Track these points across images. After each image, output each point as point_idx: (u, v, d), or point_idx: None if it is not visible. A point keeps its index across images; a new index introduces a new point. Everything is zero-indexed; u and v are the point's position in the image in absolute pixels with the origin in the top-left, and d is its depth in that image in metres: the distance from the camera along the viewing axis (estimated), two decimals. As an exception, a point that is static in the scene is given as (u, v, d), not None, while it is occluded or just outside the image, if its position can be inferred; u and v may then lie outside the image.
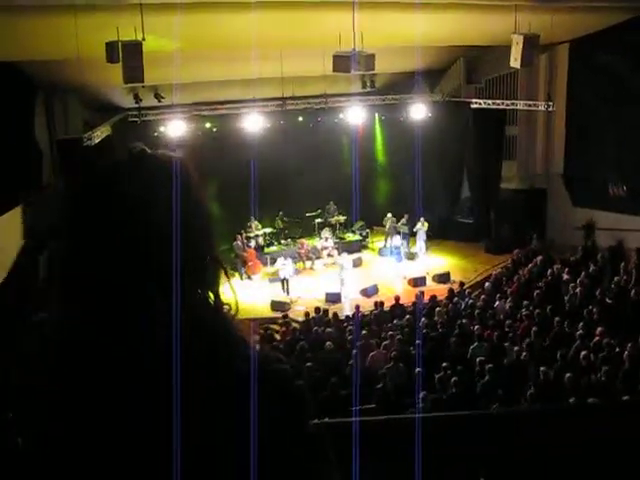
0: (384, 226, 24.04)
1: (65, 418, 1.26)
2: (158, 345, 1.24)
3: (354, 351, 12.81)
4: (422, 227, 22.51)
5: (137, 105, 20.21)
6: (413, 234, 22.92)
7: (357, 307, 16.63)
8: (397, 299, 17.05)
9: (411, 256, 22.55)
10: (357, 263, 22.43)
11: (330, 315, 16.51)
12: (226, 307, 1.39)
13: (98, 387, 1.25)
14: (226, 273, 1.40)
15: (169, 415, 1.22)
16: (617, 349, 11.45)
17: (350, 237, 24.56)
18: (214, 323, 1.34)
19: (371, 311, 16.48)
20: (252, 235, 22.98)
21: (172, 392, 1.22)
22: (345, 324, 15.61)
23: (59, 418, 1.27)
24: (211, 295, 1.36)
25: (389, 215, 23.84)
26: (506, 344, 12.71)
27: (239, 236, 22.15)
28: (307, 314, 16.56)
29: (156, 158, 1.37)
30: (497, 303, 15.82)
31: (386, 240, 23.88)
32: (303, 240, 23.07)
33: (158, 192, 1.29)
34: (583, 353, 11.18)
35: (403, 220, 23.37)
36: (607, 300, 14.42)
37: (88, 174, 1.37)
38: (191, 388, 1.23)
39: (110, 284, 1.26)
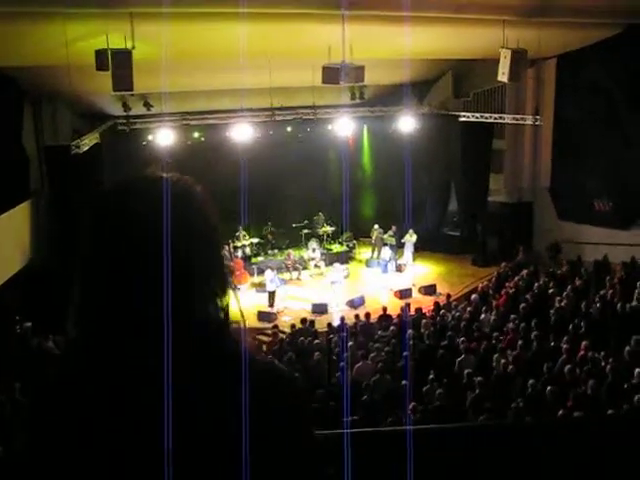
0: (371, 237, 24.09)
1: (68, 423, 1.29)
2: (167, 357, 1.27)
3: (341, 363, 12.79)
4: (410, 239, 22.54)
5: (126, 113, 20.16)
6: (401, 245, 22.95)
7: (342, 318, 16.62)
8: (384, 310, 17.06)
9: (399, 268, 22.57)
10: (344, 274, 22.43)
11: (316, 326, 16.51)
12: (234, 321, 1.44)
13: (106, 397, 1.28)
14: (234, 291, 1.47)
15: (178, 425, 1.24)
16: (602, 363, 11.50)
17: (337, 248, 24.57)
18: (222, 336, 1.40)
19: (356, 322, 16.47)
20: (239, 245, 22.95)
21: (181, 401, 1.26)
22: (331, 335, 15.59)
23: (62, 423, 1.29)
24: (220, 308, 1.41)
25: (376, 226, 23.89)
26: (493, 356, 12.73)
27: (226, 246, 22.11)
28: (293, 326, 16.55)
29: (168, 182, 1.40)
30: (483, 316, 15.86)
31: (373, 251, 23.91)
32: (290, 251, 23.05)
33: (171, 215, 1.32)
34: (568, 367, 11.22)
35: (390, 232, 23.41)
36: (592, 313, 14.48)
37: (101, 196, 1.42)
38: (201, 397, 1.28)
39: (124, 300, 1.30)
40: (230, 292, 1.45)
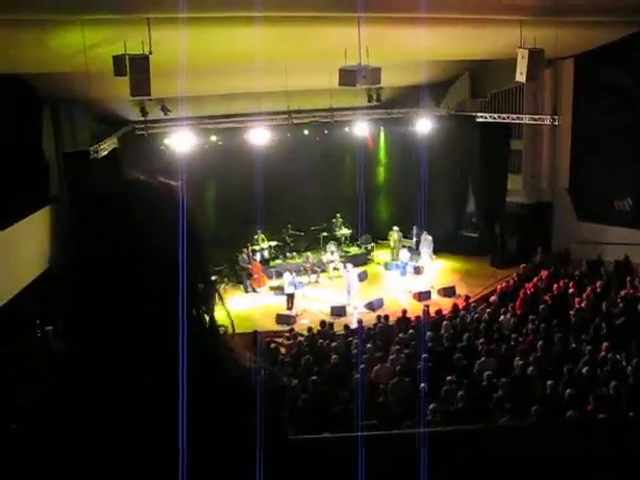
0: (389, 240, 24.06)
1: (69, 422, 1.29)
2: (156, 359, 1.29)
3: (360, 365, 12.77)
4: (426, 240, 22.49)
5: (144, 118, 20.28)
6: (418, 247, 22.92)
7: (360, 321, 16.62)
8: (404, 312, 17.02)
9: (418, 270, 22.50)
10: (363, 277, 22.42)
11: (335, 328, 16.51)
12: (221, 328, 1.43)
13: (98, 397, 1.29)
14: (220, 296, 1.45)
15: (166, 425, 1.25)
16: (623, 363, 11.41)
17: (355, 250, 24.56)
18: (207, 342, 1.39)
19: (375, 324, 16.44)
20: (258, 248, 22.99)
21: (168, 402, 1.27)
22: (350, 338, 15.58)
23: (64, 421, 1.29)
24: (205, 316, 1.41)
25: (395, 228, 23.86)
26: (513, 358, 12.66)
27: (245, 249, 22.17)
28: (310, 329, 16.56)
29: (153, 187, 1.41)
30: (502, 317, 15.79)
31: (392, 254, 23.87)
32: (308, 253, 23.06)
33: (155, 220, 1.34)
34: (588, 368, 11.14)
35: (412, 233, 23.41)
36: (613, 314, 14.37)
37: (88, 201, 1.42)
38: (183, 399, 1.27)
39: (111, 302, 1.31)
40: (217, 297, 1.44)
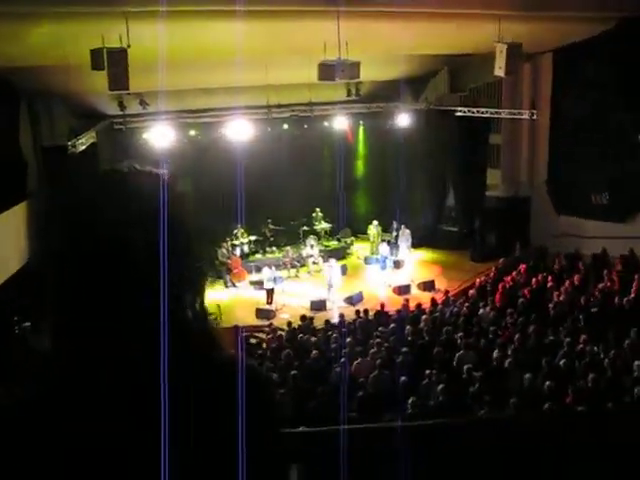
0: (368, 234, 24.14)
1: (54, 422, 1.28)
2: (145, 351, 1.28)
3: (342, 359, 12.79)
4: (404, 234, 22.57)
5: (122, 112, 20.14)
6: (397, 241, 23.01)
7: (341, 315, 16.62)
8: (382, 306, 17.07)
9: (398, 264, 22.57)
10: (343, 271, 22.45)
11: (315, 323, 16.52)
12: (210, 317, 1.42)
13: (86, 393, 1.28)
14: (205, 284, 1.45)
15: (154, 418, 1.24)
16: (601, 356, 11.52)
17: (335, 245, 24.57)
18: (197, 331, 1.38)
19: (355, 319, 16.47)
20: (237, 243, 22.95)
21: (158, 394, 1.26)
22: (330, 332, 15.59)
23: (47, 422, 1.28)
24: (195, 304, 1.40)
25: (374, 223, 23.93)
26: (492, 351, 12.74)
27: (224, 244, 22.12)
28: (290, 323, 16.55)
29: (140, 175, 1.40)
30: (481, 311, 15.87)
31: (372, 248, 23.95)
32: (288, 248, 23.04)
33: (140, 208, 1.32)
34: (566, 360, 11.24)
35: (392, 227, 23.50)
36: (591, 307, 14.50)
37: (72, 190, 1.40)
38: (174, 390, 1.27)
39: (98, 296, 1.30)
40: (206, 288, 1.44)
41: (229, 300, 20.39)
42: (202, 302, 1.42)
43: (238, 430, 1.30)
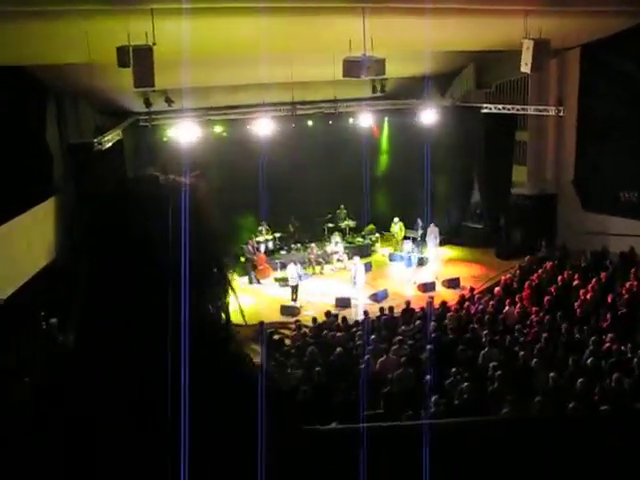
0: (390, 231, 24.13)
1: (74, 417, 1.29)
2: (166, 351, 1.29)
3: (366, 356, 12.79)
4: (432, 232, 22.48)
5: (147, 109, 20.26)
6: (424, 239, 22.92)
7: (365, 312, 16.58)
8: (407, 304, 17.02)
9: (422, 261, 22.50)
10: (367, 268, 22.44)
11: (340, 320, 16.52)
12: (230, 318, 1.44)
13: (103, 386, 1.30)
14: (232, 289, 1.46)
15: (171, 419, 1.25)
16: (628, 355, 11.40)
17: (360, 242, 24.55)
18: (218, 335, 1.40)
19: (379, 316, 16.44)
20: (262, 240, 23.01)
21: (175, 390, 1.27)
22: (355, 329, 15.58)
23: (69, 416, 1.30)
24: (218, 308, 1.41)
25: (396, 220, 23.90)
26: (516, 349, 12.66)
27: (250, 240, 22.20)
28: (314, 320, 16.58)
29: (166, 184, 1.42)
30: (507, 309, 15.77)
31: (395, 245, 23.91)
32: (313, 245, 23.06)
33: (160, 215, 1.34)
34: (593, 359, 11.13)
35: (417, 225, 23.44)
36: (618, 306, 14.35)
37: (96, 192, 1.44)
38: (192, 392, 1.27)
39: (119, 293, 1.33)
40: (231, 293, 1.45)
41: (254, 296, 20.47)
42: (225, 303, 1.43)
43: (257, 432, 1.30)
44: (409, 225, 24.02)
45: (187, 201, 1.37)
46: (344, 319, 16.54)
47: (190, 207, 1.36)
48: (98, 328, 1.34)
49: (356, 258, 21.24)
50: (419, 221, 23.53)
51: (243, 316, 1.50)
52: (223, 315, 1.42)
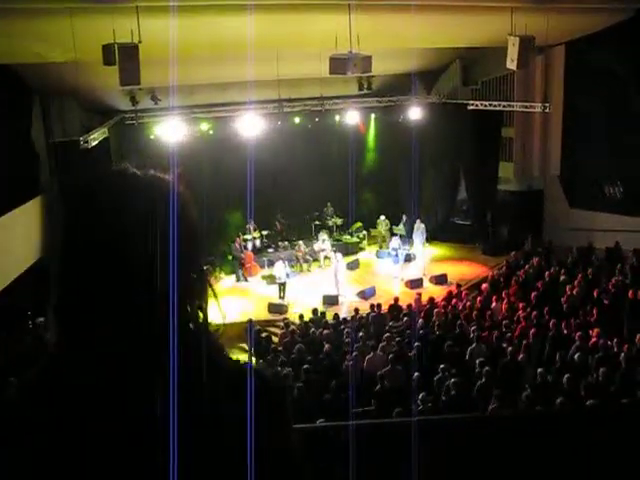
0: (377, 228, 24.18)
1: (58, 419, 1.28)
2: (148, 353, 1.29)
3: (353, 353, 12.81)
4: (419, 228, 22.52)
5: (134, 107, 20.18)
6: (411, 235, 22.96)
7: (356, 310, 16.61)
8: (395, 300, 17.05)
9: (409, 258, 22.55)
10: (354, 265, 22.45)
11: (327, 317, 16.53)
12: (211, 322, 1.42)
13: (83, 387, 1.29)
14: (213, 290, 1.44)
15: (151, 419, 1.25)
16: (615, 350, 11.47)
17: (347, 239, 24.56)
18: (200, 337, 1.38)
19: (368, 313, 16.46)
20: (249, 237, 22.97)
21: (160, 397, 1.26)
22: (342, 326, 15.60)
23: (51, 419, 1.29)
24: (198, 310, 1.40)
25: (382, 217, 23.97)
26: (504, 345, 12.71)
27: (237, 238, 22.16)
28: (301, 316, 16.58)
29: (140, 177, 1.40)
30: (494, 304, 15.84)
31: (381, 242, 23.98)
32: (300, 242, 23.04)
33: (137, 209, 1.32)
34: (579, 354, 11.20)
35: (402, 221, 23.48)
36: (604, 301, 14.43)
37: (75, 188, 1.41)
38: (174, 394, 1.27)
39: (95, 292, 1.31)
40: (209, 292, 1.43)
41: (241, 294, 20.46)
42: (203, 301, 1.41)
43: (246, 433, 1.30)
44: (395, 222, 24.07)
45: (164, 196, 1.34)
46: (336, 315, 16.58)
47: (168, 202, 1.34)
48: (74, 328, 1.33)
49: (338, 255, 21.26)
50: (404, 217, 23.59)
51: (222, 316, 1.47)
52: (200, 314, 1.40)
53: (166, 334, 1.28)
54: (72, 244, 1.35)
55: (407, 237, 23.22)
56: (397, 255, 22.46)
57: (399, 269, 21.77)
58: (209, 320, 1.42)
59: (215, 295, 1.44)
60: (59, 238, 1.36)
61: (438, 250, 23.82)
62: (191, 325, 1.38)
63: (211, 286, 1.43)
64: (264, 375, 1.45)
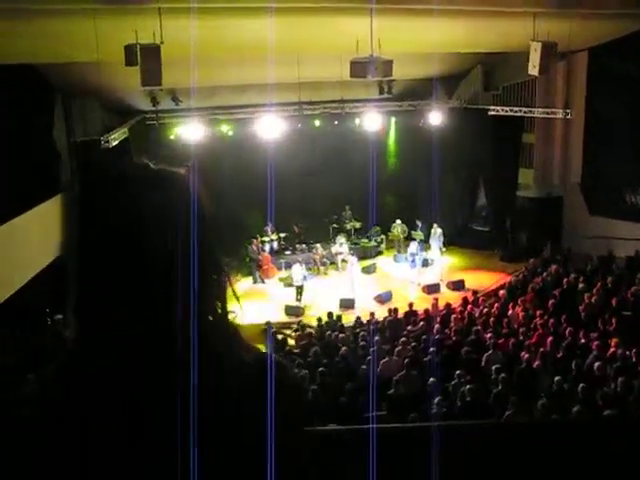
0: (392, 232, 24.16)
1: (75, 415, 1.28)
2: (167, 350, 1.28)
3: (368, 357, 12.78)
4: (436, 233, 22.46)
5: (154, 108, 20.30)
6: (427, 240, 22.91)
7: (372, 314, 16.58)
8: (411, 306, 17.00)
9: (426, 263, 22.50)
10: (371, 270, 22.42)
11: (344, 320, 16.52)
12: (231, 317, 1.42)
13: (102, 384, 1.29)
14: (232, 286, 1.43)
15: (177, 419, 1.25)
16: (633, 360, 11.36)
17: (365, 243, 24.54)
18: (219, 333, 1.38)
19: (385, 317, 16.43)
20: (267, 239, 23.01)
21: (180, 393, 1.26)
22: (358, 330, 15.58)
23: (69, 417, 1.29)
24: (218, 306, 1.40)
25: (398, 221, 23.93)
26: (521, 352, 12.63)
27: (255, 240, 22.20)
28: (319, 320, 16.58)
29: (162, 174, 1.40)
30: (511, 311, 15.75)
31: (397, 246, 23.94)
32: (318, 245, 23.06)
33: (163, 205, 1.32)
34: (598, 364, 11.10)
35: (419, 226, 23.43)
36: (623, 310, 14.31)
37: (94, 186, 1.41)
38: (195, 391, 1.27)
39: (113, 289, 1.31)
40: (228, 288, 1.42)
41: (258, 296, 20.49)
42: (223, 299, 1.41)
43: (266, 430, 1.29)
44: (412, 226, 24.01)
45: (181, 190, 1.36)
46: (358, 319, 16.57)
47: (184, 197, 1.35)
48: (95, 324, 1.33)
49: (352, 258, 21.26)
50: (418, 222, 23.53)
51: (240, 310, 1.48)
52: (219, 306, 1.40)
53: (183, 325, 1.28)
54: (89, 236, 1.34)
55: (425, 242, 23.15)
56: (414, 260, 22.39)
57: (416, 274, 21.72)
58: (228, 313, 1.42)
59: (235, 293, 1.44)
60: (77, 231, 1.37)
61: (456, 256, 23.72)
62: (210, 317, 1.38)
63: (230, 282, 1.43)
64: (285, 367, 1.45)
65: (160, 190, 1.34)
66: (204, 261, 1.34)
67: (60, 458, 1.26)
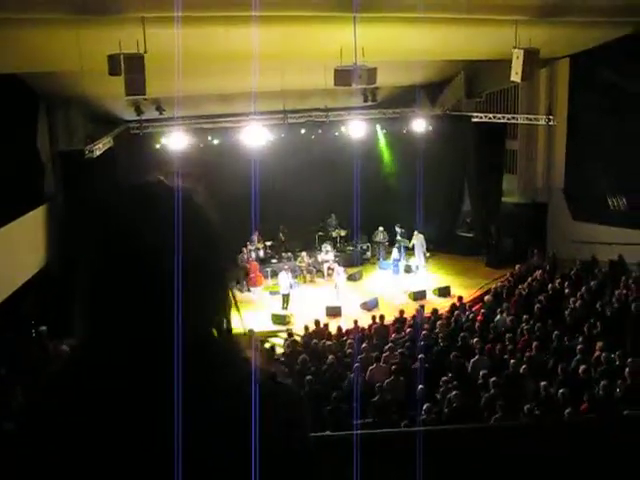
0: (374, 239, 24.20)
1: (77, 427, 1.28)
2: (170, 365, 1.27)
3: (355, 364, 12.79)
4: (418, 239, 22.53)
5: (139, 117, 20.25)
6: (411, 247, 22.96)
7: (355, 321, 16.58)
8: (401, 313, 16.99)
9: (408, 269, 22.57)
10: (356, 277, 22.43)
11: (330, 328, 16.51)
12: (234, 331, 1.42)
13: (104, 396, 1.28)
14: (235, 301, 1.43)
15: (172, 434, 1.24)
16: (617, 363, 11.42)
17: (350, 250, 24.55)
18: (222, 347, 1.38)
19: (371, 325, 16.44)
20: (253, 248, 22.97)
21: (178, 410, 1.25)
22: (345, 337, 15.58)
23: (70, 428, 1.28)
24: (221, 320, 1.39)
25: (380, 228, 23.97)
26: (507, 357, 12.68)
27: (244, 249, 22.15)
28: (307, 327, 16.55)
29: (167, 189, 1.39)
30: (497, 317, 15.80)
31: (378, 253, 23.99)
32: (304, 253, 23.04)
33: (167, 221, 1.31)
34: (583, 367, 11.16)
35: (399, 233, 23.45)
36: (607, 314, 14.39)
37: (95, 199, 1.42)
38: (197, 407, 1.27)
39: (121, 303, 1.30)
40: (233, 303, 1.42)
41: (244, 305, 20.45)
42: (227, 314, 1.41)
43: (255, 445, 1.29)
44: (393, 233, 24.02)
45: (192, 206, 1.36)
46: (339, 328, 16.54)
47: (193, 212, 1.35)
48: (107, 337, 1.31)
49: (339, 268, 21.32)
50: (397, 228, 23.55)
51: (243, 325, 1.49)
52: (225, 322, 1.39)
53: (186, 339, 1.27)
54: (105, 256, 1.33)
55: (408, 248, 23.18)
56: (397, 266, 22.46)
57: (401, 280, 21.76)
58: (232, 328, 1.41)
59: (237, 306, 1.43)
60: (86, 250, 1.35)
61: (442, 262, 23.78)
62: (214, 332, 1.37)
63: (234, 297, 1.43)
64: (289, 388, 1.45)
65: (171, 209, 1.32)
66: (212, 274, 1.35)
67: (53, 470, 1.26)
